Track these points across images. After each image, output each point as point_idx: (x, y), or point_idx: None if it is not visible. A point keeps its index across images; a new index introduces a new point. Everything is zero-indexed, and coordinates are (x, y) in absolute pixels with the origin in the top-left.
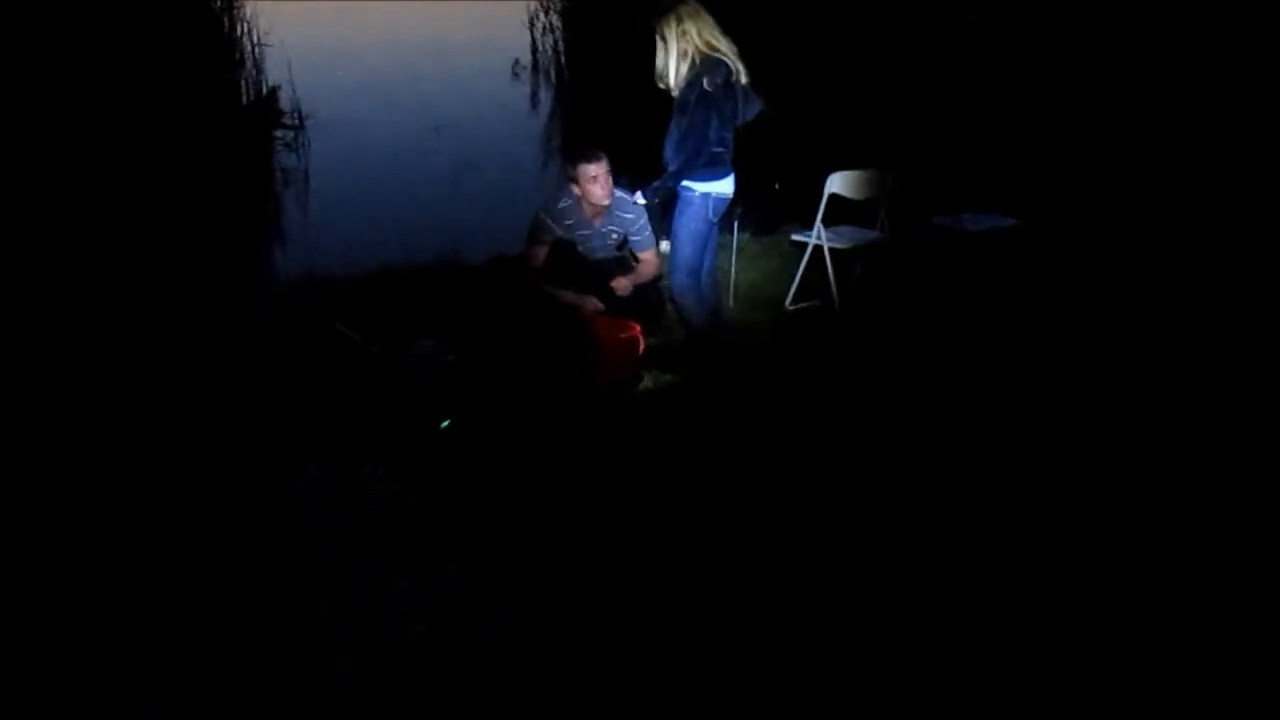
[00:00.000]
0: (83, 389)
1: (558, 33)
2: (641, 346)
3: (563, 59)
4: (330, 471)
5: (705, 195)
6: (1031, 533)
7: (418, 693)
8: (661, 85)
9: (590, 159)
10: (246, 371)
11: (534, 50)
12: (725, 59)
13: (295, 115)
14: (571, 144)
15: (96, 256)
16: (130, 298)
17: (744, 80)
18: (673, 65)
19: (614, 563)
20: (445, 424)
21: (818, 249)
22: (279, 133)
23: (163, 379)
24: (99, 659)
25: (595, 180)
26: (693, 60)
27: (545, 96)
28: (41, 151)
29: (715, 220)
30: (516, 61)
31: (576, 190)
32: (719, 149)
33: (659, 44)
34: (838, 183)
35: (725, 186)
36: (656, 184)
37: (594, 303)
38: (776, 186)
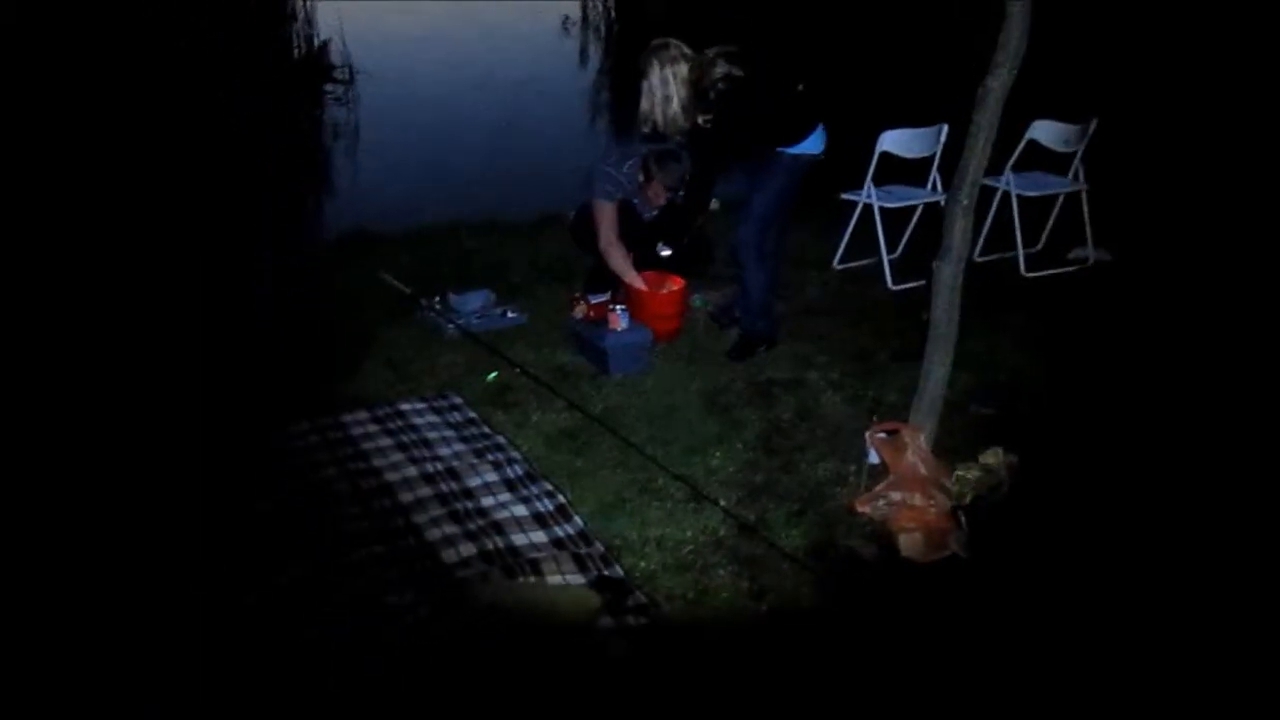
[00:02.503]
0: (106, 344)
1: None
2: (684, 301)
3: (612, 14)
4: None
5: (795, 157)
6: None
7: (418, 691)
8: (645, 129)
9: (670, 171)
10: (292, 323)
11: (584, 6)
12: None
13: (346, 69)
14: (619, 101)
15: (144, 206)
16: (176, 247)
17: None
18: (658, 109)
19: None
20: (492, 376)
21: (867, 208)
22: (329, 86)
23: (199, 333)
24: (99, 659)
25: (669, 190)
26: (684, 99)
27: (594, 53)
28: (94, 100)
29: (801, 182)
30: (566, 17)
31: (640, 174)
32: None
33: (644, 88)
34: (889, 141)
35: (813, 145)
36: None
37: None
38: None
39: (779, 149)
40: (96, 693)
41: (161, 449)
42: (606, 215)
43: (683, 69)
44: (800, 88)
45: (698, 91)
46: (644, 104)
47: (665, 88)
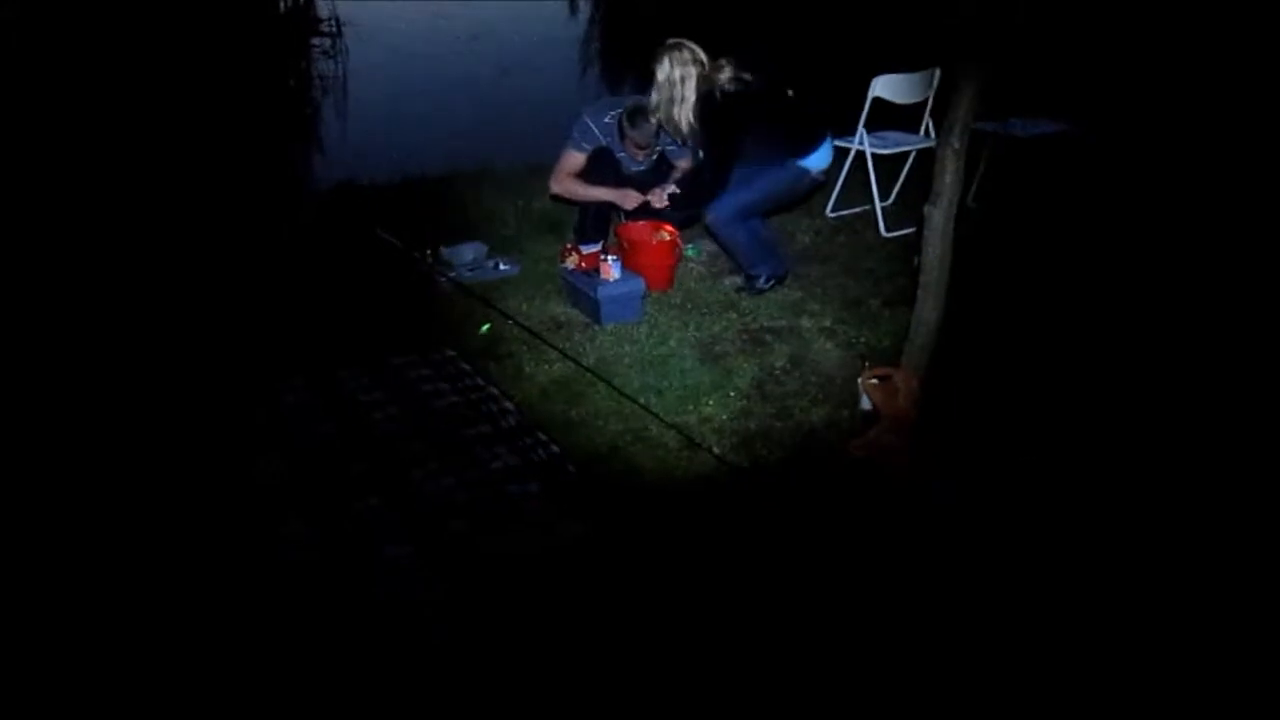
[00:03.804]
0: (103, 302)
1: None
2: (677, 250)
3: None
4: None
5: (804, 171)
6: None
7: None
8: (655, 119)
9: (641, 128)
10: (287, 277)
11: None
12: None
13: (333, 22)
14: (610, 51)
15: (134, 162)
16: (168, 203)
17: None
18: (664, 109)
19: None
20: (485, 328)
21: (860, 155)
22: (316, 40)
23: (190, 293)
24: (99, 657)
25: (640, 149)
26: (692, 105)
27: (584, 2)
28: (80, 54)
29: (801, 195)
30: None
31: (617, 129)
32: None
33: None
34: (881, 86)
35: (820, 160)
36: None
37: (634, 196)
38: (790, 93)
39: (788, 158)
40: (92, 691)
41: (155, 409)
42: (564, 161)
43: (693, 74)
44: (790, 93)
45: (704, 95)
46: (654, 97)
47: (673, 89)
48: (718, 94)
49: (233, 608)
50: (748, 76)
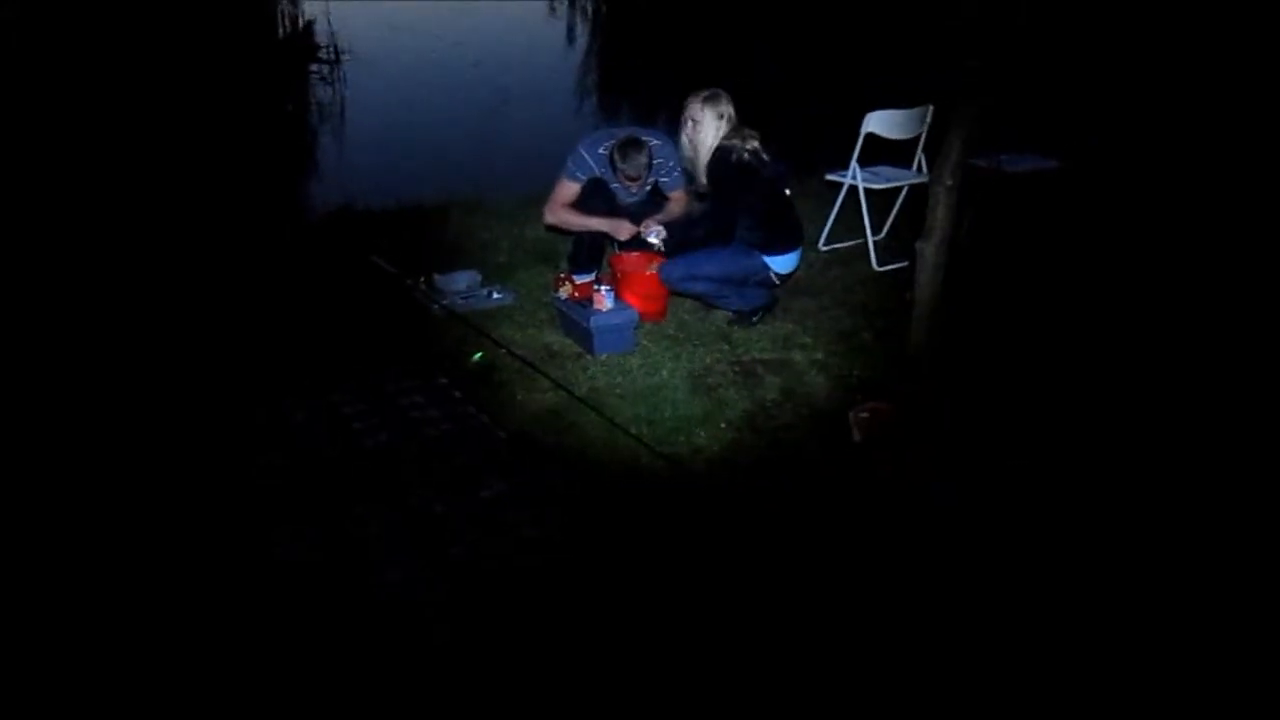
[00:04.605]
0: (100, 319)
1: None
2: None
3: None
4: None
5: (766, 266)
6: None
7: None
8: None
9: (631, 161)
10: (282, 302)
11: None
12: (743, 139)
13: (331, 49)
14: (607, 82)
15: (131, 186)
16: (166, 226)
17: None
18: (687, 151)
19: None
20: (478, 357)
21: (852, 189)
22: (315, 66)
23: (193, 313)
24: (98, 654)
25: (632, 181)
26: (711, 144)
27: (581, 31)
28: (74, 74)
29: (750, 284)
30: None
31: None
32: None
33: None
34: (874, 122)
35: (787, 264)
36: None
37: (627, 227)
38: (787, 192)
39: (760, 250)
40: (92, 688)
41: (152, 427)
42: (558, 191)
43: (723, 129)
44: (788, 193)
45: (722, 148)
46: (682, 138)
47: (697, 134)
48: (734, 156)
49: (232, 607)
50: (767, 158)
